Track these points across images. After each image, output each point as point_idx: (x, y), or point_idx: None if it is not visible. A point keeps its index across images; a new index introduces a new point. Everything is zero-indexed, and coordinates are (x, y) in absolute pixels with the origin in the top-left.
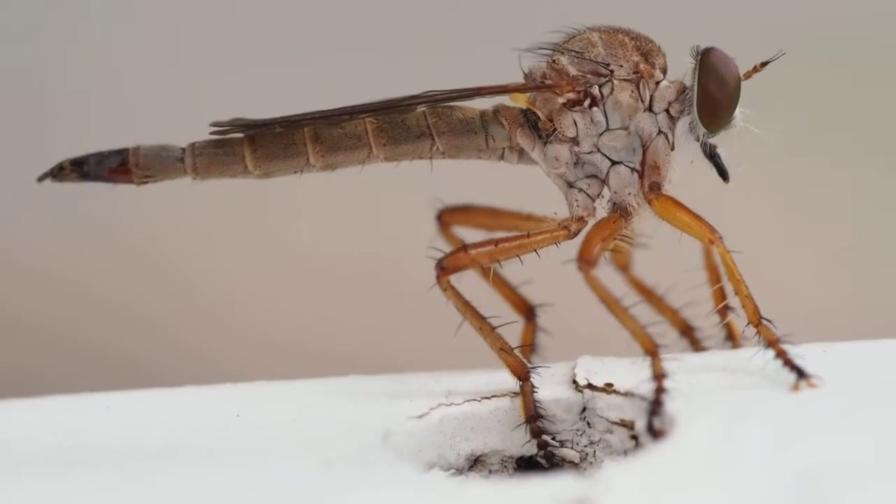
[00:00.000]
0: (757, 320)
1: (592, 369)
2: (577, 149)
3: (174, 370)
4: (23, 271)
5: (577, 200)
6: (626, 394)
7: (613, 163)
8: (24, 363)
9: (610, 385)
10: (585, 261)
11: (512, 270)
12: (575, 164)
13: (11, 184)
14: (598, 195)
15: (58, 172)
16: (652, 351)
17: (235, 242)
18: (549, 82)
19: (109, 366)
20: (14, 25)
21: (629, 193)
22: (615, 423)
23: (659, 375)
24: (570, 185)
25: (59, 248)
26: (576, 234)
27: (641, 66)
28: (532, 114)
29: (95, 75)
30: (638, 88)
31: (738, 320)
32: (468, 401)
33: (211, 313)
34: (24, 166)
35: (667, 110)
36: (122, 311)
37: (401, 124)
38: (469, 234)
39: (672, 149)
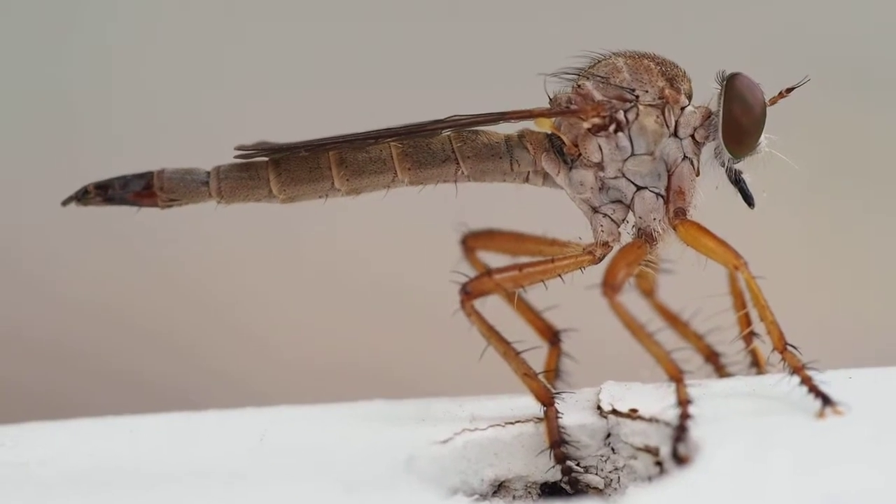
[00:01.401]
0: (782, 346)
1: (617, 395)
2: (602, 174)
3: (200, 391)
4: (50, 293)
5: (601, 225)
6: (651, 420)
7: (638, 188)
8: (51, 385)
9: (634, 411)
10: (610, 286)
11: (536, 295)
12: (600, 189)
13: (40, 206)
14: (623, 220)
15: (82, 196)
16: (676, 377)
17: (262, 265)
18: (574, 107)
19: (135, 387)
20: (41, 50)
21: (654, 219)
22: (640, 449)
23: (684, 401)
24: (595, 210)
25: (86, 270)
26: (600, 260)
27: (667, 91)
28: (557, 139)
29: (120, 97)
30: (663, 114)
31: (763, 346)
32: (492, 426)
33: (237, 335)
34: (52, 189)
35: (692, 136)
36: (148, 332)
37: (426, 149)
38: (493, 259)
39: (697, 174)
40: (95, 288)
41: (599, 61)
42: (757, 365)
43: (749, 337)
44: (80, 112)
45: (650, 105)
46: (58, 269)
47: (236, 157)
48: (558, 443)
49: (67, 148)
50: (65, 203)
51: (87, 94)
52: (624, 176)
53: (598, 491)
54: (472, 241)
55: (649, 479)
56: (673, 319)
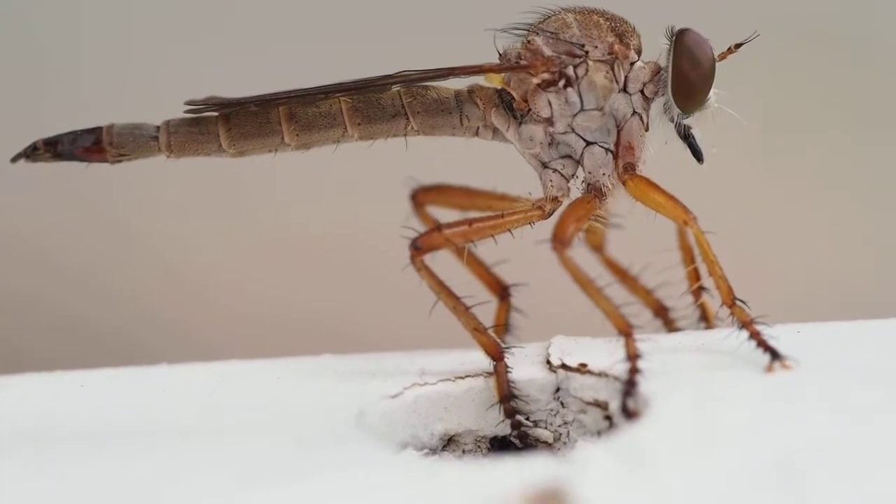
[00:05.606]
0: (731, 301)
1: (566, 349)
2: (551, 129)
3: (151, 344)
4: (2, 244)
5: (551, 181)
6: (600, 374)
7: (588, 143)
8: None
9: (584, 365)
10: (559, 241)
11: (486, 250)
12: (549, 144)
13: None
14: (573, 175)
15: (31, 153)
16: (626, 331)
17: (214, 219)
18: (523, 63)
19: (86, 339)
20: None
21: (603, 174)
22: (589, 404)
23: (633, 356)
24: (545, 166)
25: (38, 221)
26: (550, 215)
27: (616, 46)
28: (507, 94)
29: (71, 55)
30: (612, 69)
31: (712, 301)
32: (442, 380)
33: (188, 288)
34: (4, 146)
35: (641, 91)
36: (100, 284)
37: (375, 104)
38: (443, 214)
39: (646, 129)
40: (47, 239)
41: (549, 17)
42: (706, 319)
43: (698, 292)
44: (35, 71)
45: (599, 60)
46: (11, 222)
47: (186, 111)
48: (508, 397)
49: (18, 108)
50: (14, 160)
51: (43, 54)
52: (573, 131)
53: (548, 445)
54: (421, 196)
55: (598, 433)
56: (622, 274)
